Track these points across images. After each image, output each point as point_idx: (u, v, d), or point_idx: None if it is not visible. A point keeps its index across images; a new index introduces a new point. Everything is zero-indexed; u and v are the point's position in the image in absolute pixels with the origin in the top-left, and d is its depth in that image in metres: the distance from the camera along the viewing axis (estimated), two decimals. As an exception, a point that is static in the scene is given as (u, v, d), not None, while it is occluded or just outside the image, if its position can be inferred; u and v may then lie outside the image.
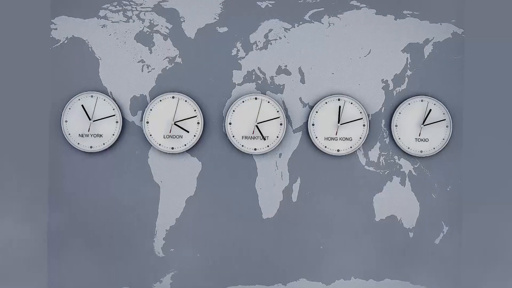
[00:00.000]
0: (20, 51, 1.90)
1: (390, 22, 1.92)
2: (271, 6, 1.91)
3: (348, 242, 1.91)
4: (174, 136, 1.87)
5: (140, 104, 1.90)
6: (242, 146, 1.88)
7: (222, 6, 1.91)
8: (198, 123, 1.87)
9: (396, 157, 1.91)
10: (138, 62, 1.91)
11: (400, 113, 1.90)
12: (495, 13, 1.92)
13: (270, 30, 1.91)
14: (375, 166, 1.92)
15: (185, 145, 1.88)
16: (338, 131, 1.88)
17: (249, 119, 1.87)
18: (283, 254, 1.91)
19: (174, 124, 1.87)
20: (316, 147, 1.90)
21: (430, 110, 1.89)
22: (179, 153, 1.89)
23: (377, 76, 1.91)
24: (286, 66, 1.91)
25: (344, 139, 1.89)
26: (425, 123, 1.89)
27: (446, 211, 1.91)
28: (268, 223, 1.91)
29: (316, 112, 1.89)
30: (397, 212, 1.91)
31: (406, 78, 1.91)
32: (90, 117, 1.88)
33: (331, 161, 1.90)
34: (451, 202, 1.91)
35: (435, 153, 1.90)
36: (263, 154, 1.90)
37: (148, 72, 1.90)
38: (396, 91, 1.92)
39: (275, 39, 1.91)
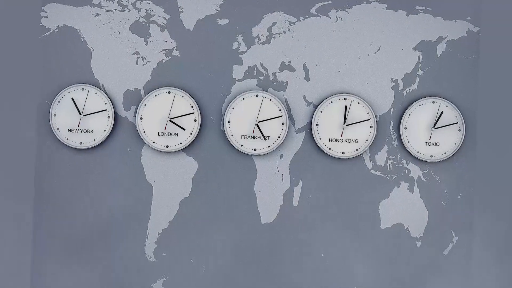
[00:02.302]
0: (7, 40, 1.83)
1: (401, 18, 1.84)
2: (275, -2, 1.84)
3: (351, 251, 1.84)
4: (169, 134, 1.81)
5: (134, 98, 1.84)
6: (241, 146, 1.81)
7: (223, -3, 1.84)
8: (195, 120, 1.81)
9: (404, 161, 1.84)
10: (133, 54, 1.83)
11: (410, 114, 1.82)
12: (513, 11, 1.85)
13: (274, 24, 1.84)
14: (382, 171, 1.84)
15: (180, 143, 1.81)
16: (343, 133, 1.82)
17: (249, 118, 1.81)
18: (282, 261, 1.84)
19: (170, 120, 1.80)
20: (319, 148, 1.83)
21: (442, 112, 1.81)
22: (174, 152, 1.83)
23: (386, 75, 1.84)
24: (290, 62, 1.84)
25: (349, 141, 1.82)
26: (436, 126, 1.81)
27: (456, 220, 1.84)
28: (267, 228, 1.84)
29: (321, 111, 1.82)
30: (404, 220, 1.84)
31: (417, 78, 1.84)
32: (81, 111, 1.81)
33: (335, 164, 1.84)
34: (462, 210, 1.84)
35: (446, 158, 1.82)
36: (263, 155, 1.83)
37: (143, 65, 1.83)
38: (406, 91, 1.84)
39: (279, 33, 1.84)
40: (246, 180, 1.84)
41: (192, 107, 1.81)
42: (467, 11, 1.84)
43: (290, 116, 1.84)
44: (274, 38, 1.84)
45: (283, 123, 1.81)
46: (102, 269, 1.83)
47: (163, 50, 1.83)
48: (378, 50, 1.84)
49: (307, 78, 1.84)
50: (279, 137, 1.81)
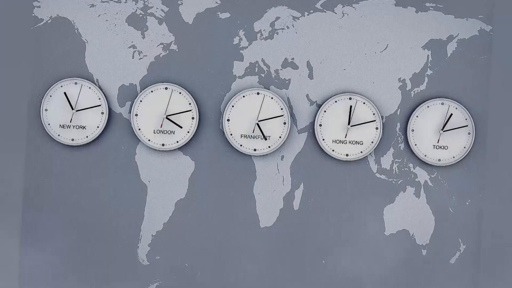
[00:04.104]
0: (-3, 30, 1.79)
1: (410, 15, 1.80)
2: (279, -9, 1.81)
3: (353, 257, 1.80)
4: (165, 132, 1.76)
5: (129, 94, 1.79)
6: (241, 145, 1.77)
7: (224, -11, 1.80)
8: (193, 118, 1.76)
9: (411, 165, 1.80)
10: (129, 47, 1.79)
11: (417, 116, 1.78)
12: (527, 10, 1.80)
13: (277, 18, 1.79)
14: (388, 174, 1.80)
15: (177, 142, 1.77)
16: (347, 134, 1.77)
17: (249, 116, 1.77)
18: (281, 267, 1.80)
19: (166, 118, 1.76)
20: (322, 150, 1.79)
21: (451, 114, 1.77)
22: (170, 151, 1.79)
23: (393, 74, 1.80)
24: (293, 59, 1.80)
25: (354, 142, 1.77)
26: (444, 129, 1.77)
27: (464, 228, 1.79)
28: (265, 233, 1.80)
29: (325, 111, 1.78)
30: (409, 226, 1.79)
31: (426, 78, 1.80)
32: (73, 107, 1.77)
33: (338, 167, 1.79)
34: (470, 217, 1.79)
35: (454, 162, 1.77)
36: (263, 155, 1.79)
37: (140, 59, 1.79)
38: (414, 91, 1.80)
39: (282, 29, 1.80)
40: (245, 181, 1.80)
41: (190, 104, 1.77)
42: (480, 9, 1.80)
43: (292, 115, 1.80)
44: (277, 33, 1.80)
45: (284, 123, 1.77)
46: (92, 272, 1.79)
47: (161, 44, 1.79)
48: (386, 48, 1.80)
49: (310, 76, 1.80)
50: (280, 137, 1.77)
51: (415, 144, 1.78)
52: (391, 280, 1.79)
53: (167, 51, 1.79)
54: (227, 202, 1.79)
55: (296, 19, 1.80)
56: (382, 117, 1.80)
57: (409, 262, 1.79)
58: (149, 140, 1.76)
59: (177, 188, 1.79)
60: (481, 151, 1.79)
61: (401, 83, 1.80)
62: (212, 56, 1.79)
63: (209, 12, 1.79)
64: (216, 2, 1.78)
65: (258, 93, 1.77)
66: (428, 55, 1.79)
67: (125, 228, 1.79)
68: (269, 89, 1.79)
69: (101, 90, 1.78)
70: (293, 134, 1.80)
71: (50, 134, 1.76)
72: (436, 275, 1.79)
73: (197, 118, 1.76)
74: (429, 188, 1.79)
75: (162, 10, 1.79)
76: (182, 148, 1.79)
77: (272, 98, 1.77)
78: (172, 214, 1.79)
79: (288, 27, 1.80)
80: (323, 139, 1.78)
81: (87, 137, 1.76)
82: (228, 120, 1.77)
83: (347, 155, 1.77)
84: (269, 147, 1.77)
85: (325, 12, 1.80)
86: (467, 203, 1.79)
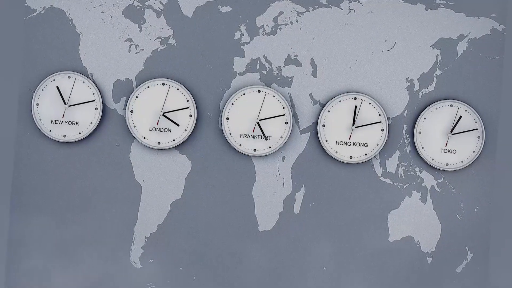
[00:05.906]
0: (-12, 20, 1.77)
1: (420, 12, 1.76)
2: (283, -15, 1.78)
3: (355, 264, 1.77)
4: (161, 129, 1.74)
5: (125, 89, 1.77)
6: (240, 145, 1.75)
7: (226, -18, 1.78)
8: (191, 115, 1.74)
9: (417, 169, 1.77)
10: (125, 41, 1.76)
11: (425, 118, 1.74)
12: (542, 9, 1.78)
13: (281, 13, 1.76)
14: (393, 178, 1.77)
15: (173, 140, 1.74)
16: (352, 135, 1.75)
17: (249, 115, 1.75)
18: (280, 273, 1.77)
19: (163, 115, 1.73)
20: (325, 151, 1.76)
21: (460, 117, 1.73)
22: (166, 149, 1.76)
23: (401, 74, 1.77)
24: (296, 56, 1.77)
25: (358, 144, 1.75)
26: (453, 132, 1.73)
27: (472, 235, 1.77)
28: (264, 237, 1.77)
29: (328, 111, 1.75)
30: (414, 232, 1.77)
31: (435, 78, 1.76)
32: (66, 101, 1.74)
33: (341, 169, 1.77)
34: (478, 225, 1.77)
35: (463, 167, 1.74)
36: (263, 156, 1.76)
37: (136, 53, 1.76)
38: (422, 92, 1.77)
39: (286, 24, 1.76)
40: (244, 183, 1.78)
41: (187, 101, 1.74)
42: (492, 7, 1.77)
43: (294, 115, 1.78)
44: (280, 29, 1.77)
45: (286, 123, 1.75)
46: (83, 274, 1.77)
47: (159, 38, 1.77)
48: (393, 47, 1.77)
49: (314, 74, 1.77)
50: (281, 137, 1.75)
51: (422, 147, 1.74)
52: (395, 289, 1.78)
53: (165, 46, 1.76)
54: (224, 204, 1.77)
55: (300, 15, 1.76)
56: (388, 118, 1.77)
57: (413, 270, 1.77)
58: (144, 137, 1.74)
59: (172, 189, 1.77)
60: (491, 155, 1.76)
61: (409, 83, 1.77)
62: (212, 52, 1.76)
63: (210, 5, 1.76)
64: (217, -5, 1.77)
65: (259, 91, 1.74)
66: (437, 54, 1.76)
67: (117, 229, 1.77)
68: (270, 87, 1.77)
69: (95, 84, 1.76)
70: (295, 134, 1.78)
71: (41, 129, 1.74)
72: (442, 284, 1.76)
73: (195, 116, 1.74)
74: (436, 193, 1.77)
75: (160, 2, 1.76)
76: (179, 147, 1.76)
77: (273, 96, 1.74)
78: (167, 215, 1.77)
79: (291, 23, 1.77)
80: (326, 140, 1.75)
81: (79, 133, 1.74)
82: (227, 118, 1.74)
83: (351, 157, 1.75)
84: (270, 147, 1.75)
85: (331, 7, 1.77)
86: (475, 210, 1.77)
